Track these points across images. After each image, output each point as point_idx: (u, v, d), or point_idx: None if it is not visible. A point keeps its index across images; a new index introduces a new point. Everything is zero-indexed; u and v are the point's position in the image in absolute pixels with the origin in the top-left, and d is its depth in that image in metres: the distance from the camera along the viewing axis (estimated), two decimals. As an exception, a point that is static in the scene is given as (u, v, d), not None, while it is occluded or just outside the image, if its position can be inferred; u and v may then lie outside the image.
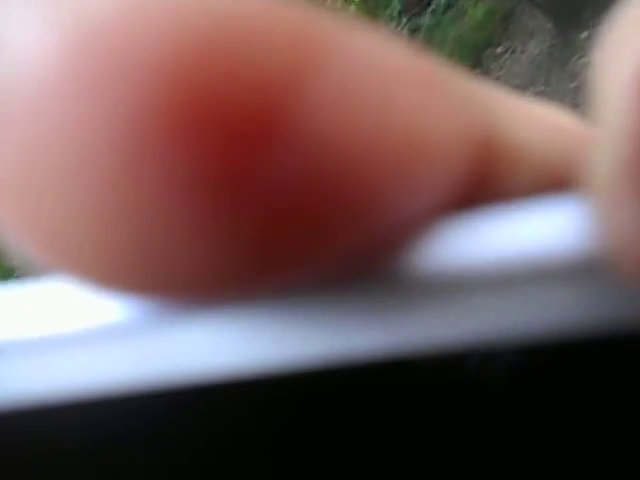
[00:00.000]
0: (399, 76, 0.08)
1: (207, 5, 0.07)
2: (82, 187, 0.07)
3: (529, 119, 0.10)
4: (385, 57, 0.08)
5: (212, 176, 0.07)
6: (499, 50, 2.11)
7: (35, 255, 0.08)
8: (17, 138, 0.07)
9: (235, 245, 0.07)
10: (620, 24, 0.08)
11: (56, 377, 0.09)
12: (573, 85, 1.84)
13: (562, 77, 1.87)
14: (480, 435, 0.09)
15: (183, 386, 0.09)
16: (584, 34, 1.95)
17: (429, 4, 2.15)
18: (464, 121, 0.09)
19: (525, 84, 1.97)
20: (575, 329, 0.08)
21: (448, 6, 2.18)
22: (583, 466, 0.09)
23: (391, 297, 0.08)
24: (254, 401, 0.09)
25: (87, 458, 0.10)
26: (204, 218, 0.07)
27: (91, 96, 0.07)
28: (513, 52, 2.05)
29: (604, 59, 0.08)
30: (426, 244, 0.08)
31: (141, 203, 0.07)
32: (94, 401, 0.09)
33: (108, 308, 0.09)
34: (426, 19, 2.18)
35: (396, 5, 2.20)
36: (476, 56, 2.09)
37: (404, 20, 2.18)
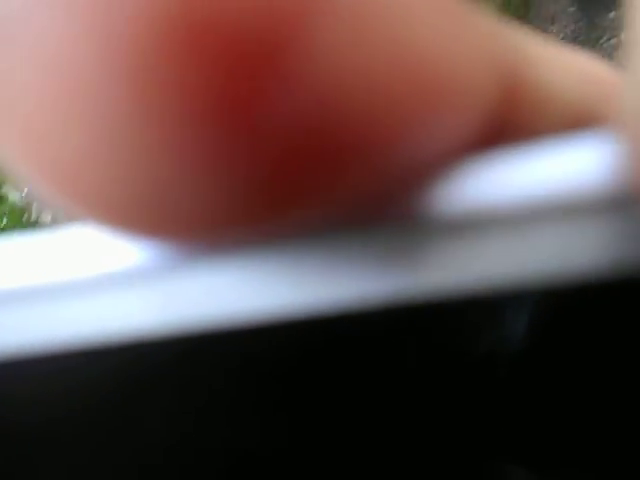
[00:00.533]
0: (420, 3, 0.07)
1: None
2: (88, 120, 0.07)
3: (557, 61, 0.10)
4: None
5: (219, 107, 0.07)
6: (520, 37, 2.01)
7: (49, 197, 0.08)
8: (23, 60, 0.07)
9: (245, 183, 0.07)
10: None
11: (69, 322, 0.09)
12: (604, 68, 1.75)
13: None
14: (500, 382, 0.09)
15: (201, 329, 0.09)
16: (611, 14, 1.84)
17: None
18: (490, 51, 0.08)
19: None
20: (603, 267, 0.08)
21: (464, -7, 2.09)
22: (604, 412, 0.09)
23: (412, 239, 0.08)
24: (271, 345, 0.09)
25: (100, 403, 0.10)
26: (211, 152, 0.07)
27: (95, 23, 0.06)
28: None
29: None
30: (449, 184, 0.08)
31: (148, 138, 0.07)
32: (109, 346, 0.09)
33: (125, 252, 0.09)
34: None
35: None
36: (496, 44, 2.00)
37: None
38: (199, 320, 0.08)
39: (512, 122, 0.09)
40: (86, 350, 0.09)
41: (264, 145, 0.07)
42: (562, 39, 1.93)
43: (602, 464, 0.09)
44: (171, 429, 0.10)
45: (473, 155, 0.08)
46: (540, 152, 0.08)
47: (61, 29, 0.06)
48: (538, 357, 0.08)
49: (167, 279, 0.08)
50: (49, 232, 0.09)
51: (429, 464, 0.09)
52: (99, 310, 0.09)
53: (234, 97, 0.06)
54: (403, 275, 0.08)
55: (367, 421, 0.09)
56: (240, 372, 0.09)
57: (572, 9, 1.96)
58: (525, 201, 0.08)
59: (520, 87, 0.09)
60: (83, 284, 0.09)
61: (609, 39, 1.87)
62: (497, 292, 0.08)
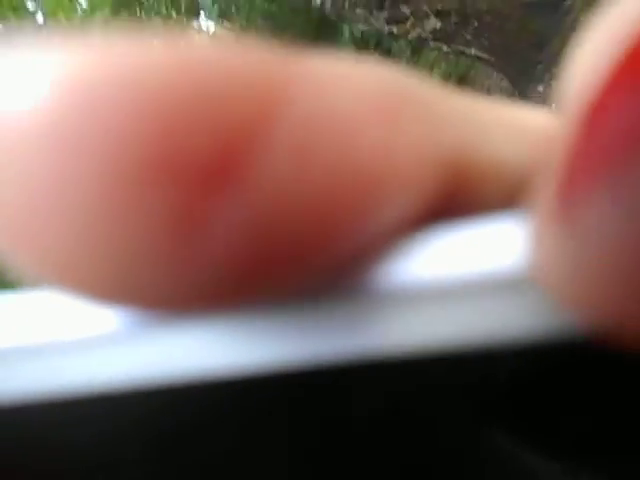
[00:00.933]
0: (362, 108, 0.08)
1: (172, 56, 0.08)
2: (67, 216, 0.08)
3: (507, 129, 0.10)
4: (346, 89, 0.08)
5: (182, 214, 0.08)
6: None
7: (25, 269, 0.08)
8: (10, 178, 0.08)
9: (208, 271, 0.08)
10: (581, 48, 0.07)
11: (46, 381, 0.09)
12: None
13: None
14: (433, 439, 0.10)
15: (171, 388, 0.09)
16: (540, 87, 2.07)
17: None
18: (433, 142, 0.09)
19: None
20: (513, 336, 0.09)
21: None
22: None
23: (358, 308, 0.09)
24: (237, 400, 0.10)
25: (77, 457, 0.10)
26: (176, 248, 0.08)
27: (76, 145, 0.08)
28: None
29: (567, 80, 0.08)
30: (389, 260, 0.09)
31: (119, 236, 0.08)
32: (83, 402, 0.09)
33: (97, 317, 0.09)
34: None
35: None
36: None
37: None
38: (169, 379, 0.09)
39: (460, 196, 0.10)
40: (57, 405, 0.10)
41: (222, 244, 0.08)
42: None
43: None
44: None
45: (416, 232, 0.09)
46: (469, 231, 0.09)
47: (51, 157, 0.08)
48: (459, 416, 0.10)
49: (141, 341, 0.09)
50: (25, 295, 0.10)
51: None
52: (69, 370, 0.09)
53: (195, 208, 0.08)
54: (348, 338, 0.09)
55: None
56: (208, 428, 0.10)
57: (504, 83, 2.18)
58: (449, 278, 0.09)
59: (465, 163, 0.09)
60: (51, 346, 0.09)
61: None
62: (429, 355, 0.09)
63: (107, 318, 0.09)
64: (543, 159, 0.08)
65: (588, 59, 0.07)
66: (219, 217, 0.08)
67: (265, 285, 0.08)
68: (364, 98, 0.08)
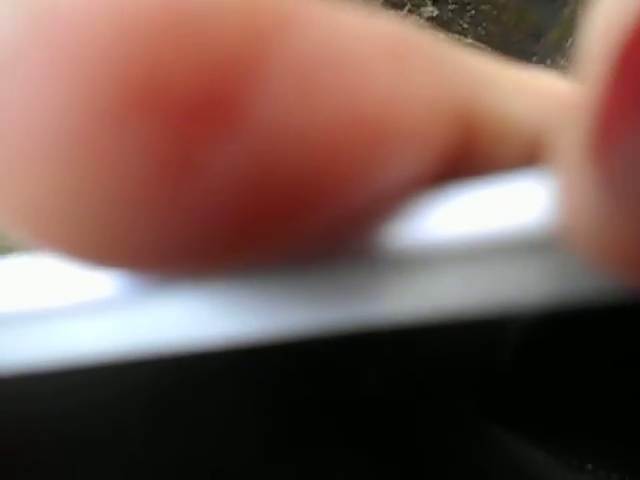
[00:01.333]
0: (368, 48, 0.08)
1: None
2: (45, 163, 0.07)
3: (518, 89, 0.10)
4: (353, 28, 0.08)
5: (170, 160, 0.07)
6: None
7: (13, 229, 0.08)
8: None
9: (199, 226, 0.07)
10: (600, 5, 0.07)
11: (39, 348, 0.09)
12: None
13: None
14: (440, 410, 0.09)
15: (166, 356, 0.09)
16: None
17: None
18: (443, 94, 0.08)
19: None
20: (537, 302, 0.08)
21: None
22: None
23: (366, 272, 0.08)
24: (229, 370, 0.09)
25: (68, 428, 0.10)
26: (165, 202, 0.07)
27: (45, 76, 0.07)
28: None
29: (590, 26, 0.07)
30: (401, 220, 0.08)
31: (102, 184, 0.07)
32: (77, 371, 0.09)
33: (91, 281, 0.09)
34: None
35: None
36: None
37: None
38: (165, 346, 0.09)
39: (471, 155, 0.09)
40: (49, 374, 0.09)
41: (214, 195, 0.07)
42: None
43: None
44: (136, 451, 0.10)
45: (427, 191, 0.08)
46: (486, 189, 0.08)
47: (36, 92, 0.07)
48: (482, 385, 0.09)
49: (128, 307, 0.09)
50: (15, 260, 0.09)
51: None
52: (62, 336, 0.09)
53: (184, 152, 0.07)
54: (356, 306, 0.08)
55: (319, 448, 0.10)
56: (199, 396, 0.10)
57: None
58: (467, 239, 0.08)
59: (477, 119, 0.09)
60: (43, 311, 0.09)
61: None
62: (443, 322, 0.08)
63: (100, 283, 0.09)
64: (563, 115, 0.07)
65: (611, 9, 0.07)
66: (212, 161, 0.07)
67: (264, 243, 0.08)
68: (371, 42, 0.08)
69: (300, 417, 0.10)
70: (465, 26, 2.00)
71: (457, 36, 2.00)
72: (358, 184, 0.08)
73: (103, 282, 0.09)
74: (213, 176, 0.07)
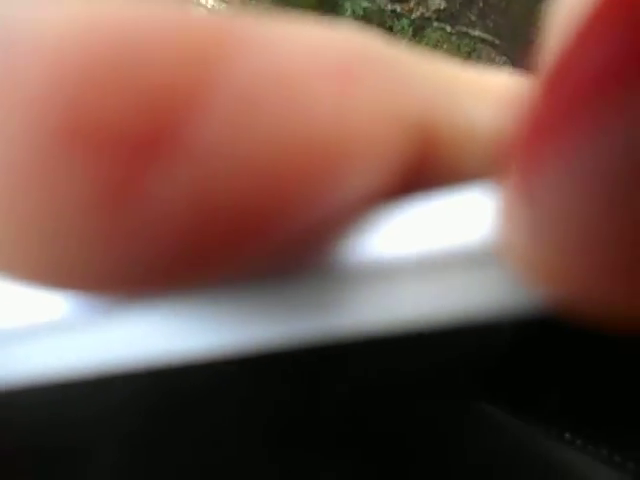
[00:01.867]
0: (311, 67, 0.07)
1: (98, 14, 0.07)
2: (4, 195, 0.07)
3: (479, 93, 0.10)
4: (297, 47, 0.07)
5: (111, 187, 0.07)
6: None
7: None
8: None
9: (145, 251, 0.07)
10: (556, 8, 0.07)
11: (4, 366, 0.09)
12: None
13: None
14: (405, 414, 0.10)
15: (123, 375, 0.09)
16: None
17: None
18: (393, 108, 0.08)
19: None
20: (481, 313, 0.09)
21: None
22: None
23: (322, 286, 0.09)
24: (186, 387, 0.09)
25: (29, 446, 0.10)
26: (109, 227, 0.07)
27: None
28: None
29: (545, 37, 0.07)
30: (352, 236, 0.09)
31: (49, 212, 0.07)
32: (35, 390, 0.09)
33: (47, 302, 0.09)
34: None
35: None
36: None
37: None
38: (121, 365, 0.09)
39: (432, 165, 0.09)
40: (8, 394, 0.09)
41: (158, 221, 0.07)
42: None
43: None
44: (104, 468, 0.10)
45: (384, 204, 0.09)
46: (438, 203, 0.09)
47: None
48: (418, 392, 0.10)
49: (90, 327, 0.09)
50: None
51: None
52: (20, 357, 0.09)
53: (124, 180, 0.07)
54: (313, 319, 0.09)
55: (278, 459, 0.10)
56: (157, 412, 0.10)
57: (507, 67, 2.18)
58: (416, 254, 0.08)
59: (434, 130, 0.09)
60: (9, 332, 0.09)
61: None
62: (396, 333, 0.09)
63: (56, 304, 0.09)
64: (510, 124, 0.07)
65: (560, 18, 0.07)
66: (153, 190, 0.07)
67: (215, 264, 0.08)
68: (317, 58, 0.08)
69: (277, 429, 0.10)
70: (473, 18, 1.99)
71: (465, 28, 2.00)
72: (308, 202, 0.08)
73: (59, 303, 0.09)
74: (156, 203, 0.07)
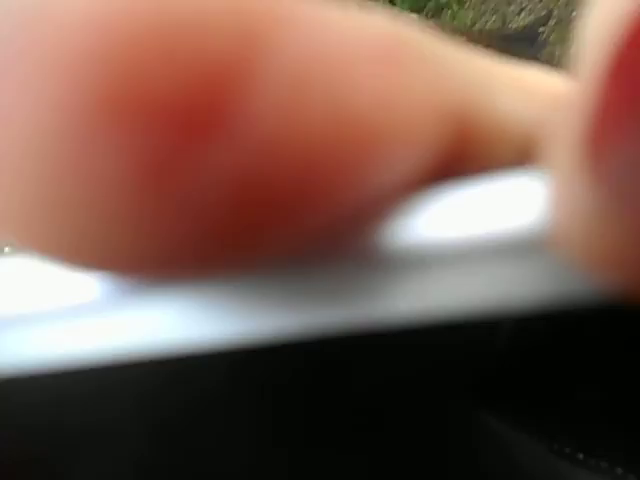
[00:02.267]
0: (359, 51, 0.08)
1: None
2: (32, 168, 0.07)
3: (513, 87, 0.10)
4: (345, 31, 0.08)
5: (160, 162, 0.07)
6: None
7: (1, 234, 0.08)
8: None
9: (189, 229, 0.07)
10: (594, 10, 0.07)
11: (23, 352, 0.09)
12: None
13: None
14: (440, 406, 0.10)
15: (150, 359, 0.09)
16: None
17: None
18: (436, 95, 0.08)
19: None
20: (529, 303, 0.08)
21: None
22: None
23: (360, 273, 0.08)
24: (224, 372, 0.09)
25: (58, 429, 0.10)
26: (155, 204, 0.07)
27: (31, 80, 0.07)
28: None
29: (587, 25, 0.07)
30: (394, 221, 0.08)
31: (90, 186, 0.07)
32: (66, 373, 0.09)
33: (78, 284, 0.09)
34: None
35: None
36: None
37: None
38: (150, 349, 0.09)
39: (466, 154, 0.09)
40: (32, 378, 0.09)
41: (205, 198, 0.07)
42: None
43: None
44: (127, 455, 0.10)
45: (423, 190, 0.08)
46: (481, 188, 0.08)
47: (15, 98, 0.07)
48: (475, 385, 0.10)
49: (114, 310, 0.09)
50: (3, 261, 0.09)
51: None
52: (47, 340, 0.09)
53: (176, 155, 0.07)
54: (347, 307, 0.08)
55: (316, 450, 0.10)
56: (188, 400, 0.10)
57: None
58: (461, 240, 0.08)
59: (470, 119, 0.09)
60: (30, 314, 0.09)
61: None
62: (436, 323, 0.08)
63: (88, 286, 0.09)
64: (557, 116, 0.07)
65: (605, 16, 0.07)
66: (202, 167, 0.07)
67: (255, 246, 0.08)
68: (364, 43, 0.08)
69: (296, 418, 0.10)
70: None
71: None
72: (351, 186, 0.08)
73: (90, 285, 0.09)
74: (207, 182, 0.07)
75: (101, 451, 0.10)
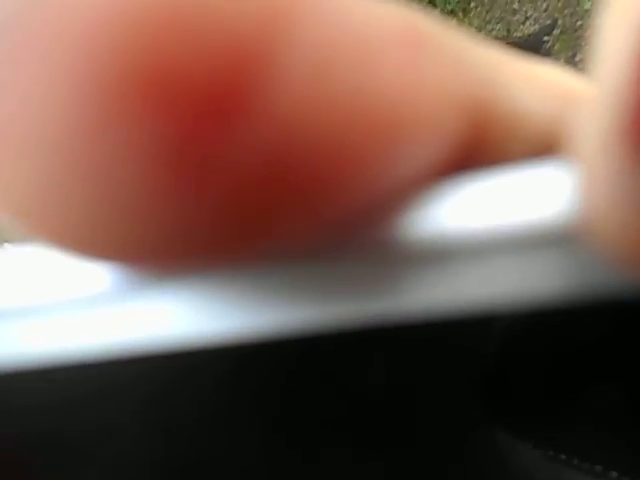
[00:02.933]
0: (382, 37, 0.07)
1: None
2: (45, 150, 0.07)
3: (529, 82, 0.10)
4: (366, 16, 0.08)
5: (178, 145, 0.07)
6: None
7: (10, 222, 0.07)
8: None
9: (205, 216, 0.07)
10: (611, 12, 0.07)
11: (33, 343, 0.09)
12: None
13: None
14: (462, 399, 0.10)
15: (159, 352, 0.09)
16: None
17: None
18: (456, 84, 0.08)
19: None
20: (555, 296, 0.08)
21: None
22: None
23: (377, 264, 0.08)
24: (227, 368, 0.09)
25: (62, 422, 0.10)
26: (170, 188, 0.07)
27: (48, 66, 0.07)
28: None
29: (607, 19, 0.07)
30: (412, 212, 0.08)
31: (105, 169, 0.07)
32: (66, 367, 0.09)
33: (86, 275, 0.09)
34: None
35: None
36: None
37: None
38: (160, 341, 0.09)
39: (482, 146, 0.09)
40: (39, 370, 0.09)
41: (227, 185, 0.07)
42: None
43: None
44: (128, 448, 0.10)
45: (441, 181, 0.08)
46: (502, 179, 0.08)
47: (35, 74, 0.06)
48: (500, 379, 0.09)
49: (131, 301, 0.09)
50: (13, 251, 0.09)
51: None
52: (55, 331, 0.09)
53: (195, 138, 0.07)
54: (369, 300, 0.08)
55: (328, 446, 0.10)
56: (195, 393, 0.10)
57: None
58: (484, 232, 0.08)
59: (489, 112, 0.09)
60: (38, 305, 0.09)
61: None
62: (459, 317, 0.08)
63: (97, 277, 0.08)
64: (583, 107, 0.07)
65: (625, 18, 0.07)
66: (221, 150, 0.07)
67: (272, 236, 0.07)
68: (385, 31, 0.08)
69: (303, 413, 0.09)
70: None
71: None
72: (370, 174, 0.07)
73: (99, 276, 0.09)
74: (226, 166, 0.07)
75: (103, 450, 0.10)
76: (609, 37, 0.07)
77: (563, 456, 0.10)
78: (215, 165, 0.07)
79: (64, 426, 0.10)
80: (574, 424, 0.10)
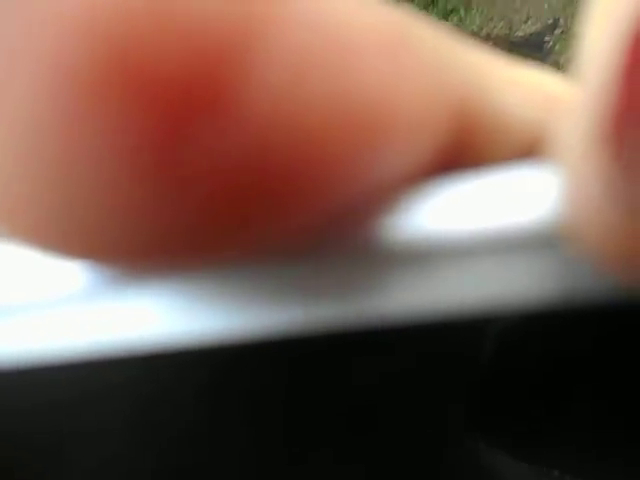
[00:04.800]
0: (362, 38, 0.07)
1: None
2: (22, 148, 0.07)
3: (514, 85, 0.10)
4: (348, 17, 0.07)
5: (155, 145, 0.07)
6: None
7: None
8: None
9: (183, 215, 0.07)
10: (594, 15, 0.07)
11: (6, 344, 0.09)
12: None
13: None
14: (441, 402, 0.09)
15: (138, 354, 0.08)
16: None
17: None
18: (438, 87, 0.08)
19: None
20: (539, 299, 0.08)
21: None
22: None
23: (358, 267, 0.08)
24: (217, 367, 0.09)
25: (35, 422, 0.10)
26: (148, 188, 0.07)
27: (27, 56, 0.06)
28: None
29: (590, 25, 0.07)
30: (396, 214, 0.08)
31: (82, 167, 0.07)
32: (42, 367, 0.09)
33: (63, 274, 0.08)
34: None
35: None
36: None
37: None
38: (135, 342, 0.08)
39: (466, 149, 0.09)
40: (14, 371, 0.09)
41: (199, 181, 0.07)
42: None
43: None
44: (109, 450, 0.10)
45: (425, 183, 0.08)
46: (487, 182, 0.08)
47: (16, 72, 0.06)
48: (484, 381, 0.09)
49: (103, 301, 0.08)
50: None
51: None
52: (30, 330, 0.09)
53: (172, 139, 0.06)
54: (352, 302, 0.08)
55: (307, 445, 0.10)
56: (173, 395, 0.09)
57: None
58: (466, 234, 0.08)
59: (473, 114, 0.09)
60: (16, 304, 0.09)
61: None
62: (442, 319, 0.08)
63: (77, 275, 0.08)
64: (567, 110, 0.07)
65: (609, 16, 0.07)
66: (198, 149, 0.07)
67: (251, 236, 0.07)
68: (366, 31, 0.07)
69: (289, 416, 0.09)
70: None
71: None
72: (350, 176, 0.07)
73: (77, 275, 0.08)
74: (204, 167, 0.07)
75: (86, 453, 0.10)
76: (592, 41, 0.07)
77: (556, 472, 0.09)
78: (193, 165, 0.07)
79: (46, 429, 0.10)
80: (560, 438, 0.09)
